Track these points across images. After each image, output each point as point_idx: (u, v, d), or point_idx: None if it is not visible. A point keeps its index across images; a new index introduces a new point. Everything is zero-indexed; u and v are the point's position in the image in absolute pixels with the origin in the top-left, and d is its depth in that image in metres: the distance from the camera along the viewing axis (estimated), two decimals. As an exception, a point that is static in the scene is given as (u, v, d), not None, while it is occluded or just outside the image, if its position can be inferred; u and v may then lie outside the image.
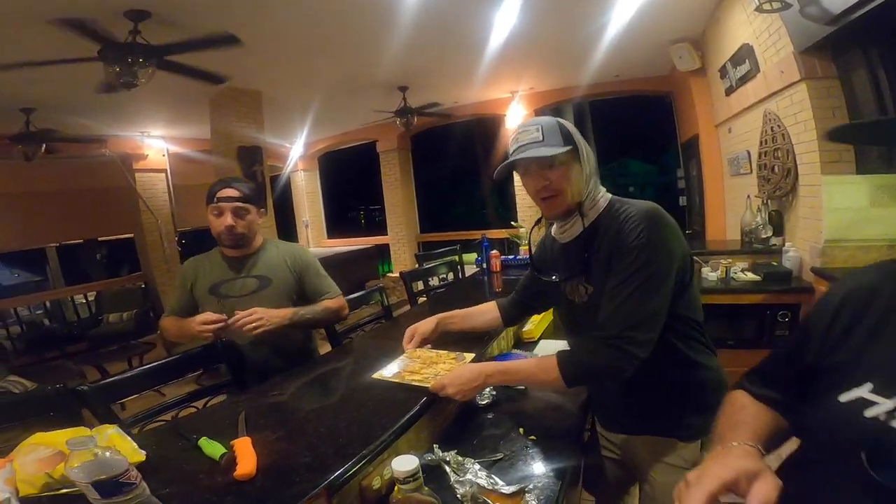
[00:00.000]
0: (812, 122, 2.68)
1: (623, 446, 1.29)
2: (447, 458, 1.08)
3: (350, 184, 10.00)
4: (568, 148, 1.08)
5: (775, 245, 3.10)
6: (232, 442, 0.95)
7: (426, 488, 0.83)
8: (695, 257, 1.61)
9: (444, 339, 1.53)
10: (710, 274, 2.99)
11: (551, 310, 2.24)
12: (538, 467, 1.09)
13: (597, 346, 1.04)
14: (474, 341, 1.55)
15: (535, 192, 1.14)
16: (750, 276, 2.89)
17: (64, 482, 0.80)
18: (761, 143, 3.33)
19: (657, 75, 5.64)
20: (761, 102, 3.30)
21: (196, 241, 7.82)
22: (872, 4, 1.97)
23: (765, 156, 3.28)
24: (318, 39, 3.99)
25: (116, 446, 0.90)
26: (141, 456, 0.92)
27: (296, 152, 8.41)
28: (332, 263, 5.19)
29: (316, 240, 9.12)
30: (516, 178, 6.84)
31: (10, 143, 4.64)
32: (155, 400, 1.57)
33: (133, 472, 0.70)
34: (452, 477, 1.04)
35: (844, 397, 0.59)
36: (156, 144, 6.50)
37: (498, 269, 2.87)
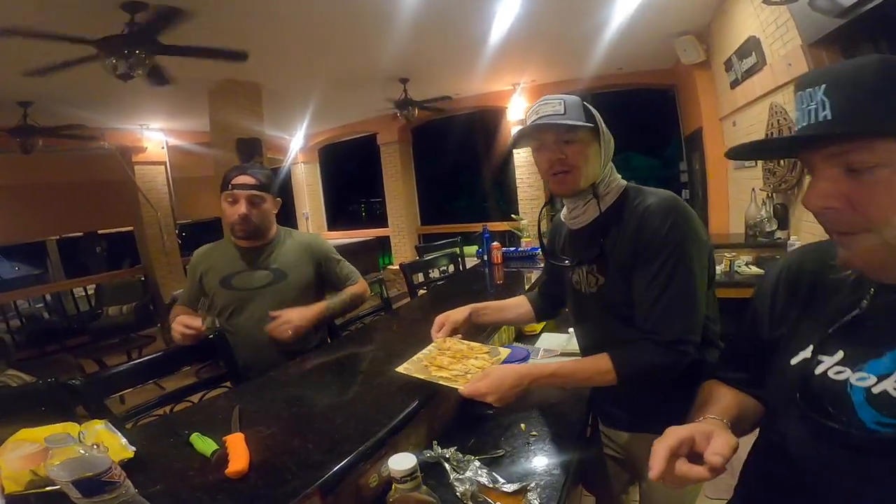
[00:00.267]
0: (820, 114, 2.64)
1: (625, 444, 1.26)
2: (447, 455, 1.05)
3: (351, 176, 9.96)
4: (590, 126, 1.04)
5: (780, 238, 3.07)
6: (224, 438, 0.92)
7: (424, 487, 0.80)
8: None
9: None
10: (713, 268, 2.95)
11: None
12: (540, 464, 1.07)
13: (655, 348, 0.99)
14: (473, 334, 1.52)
15: (549, 167, 1.09)
16: (754, 269, 2.85)
17: (49, 480, 0.77)
18: (767, 135, 3.28)
19: (661, 68, 5.58)
20: (767, 95, 3.25)
21: (196, 234, 7.81)
22: (883, -4, 1.92)
23: (770, 149, 3.23)
24: (319, 31, 3.93)
25: (104, 442, 0.87)
26: (129, 452, 0.89)
27: (296, 144, 8.36)
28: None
29: (316, 232, 9.10)
30: (518, 169, 6.86)
31: (8, 137, 4.61)
32: (156, 394, 1.55)
33: (116, 470, 0.67)
34: (452, 475, 1.01)
35: (794, 360, 0.68)
36: (155, 137, 6.45)
37: (499, 262, 2.83)
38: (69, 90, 4.35)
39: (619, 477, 1.36)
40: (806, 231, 2.90)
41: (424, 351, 1.27)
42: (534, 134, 1.07)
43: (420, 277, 2.89)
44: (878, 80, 0.53)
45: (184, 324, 1.49)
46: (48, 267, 7.84)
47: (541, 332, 1.96)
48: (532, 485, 0.96)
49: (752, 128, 3.65)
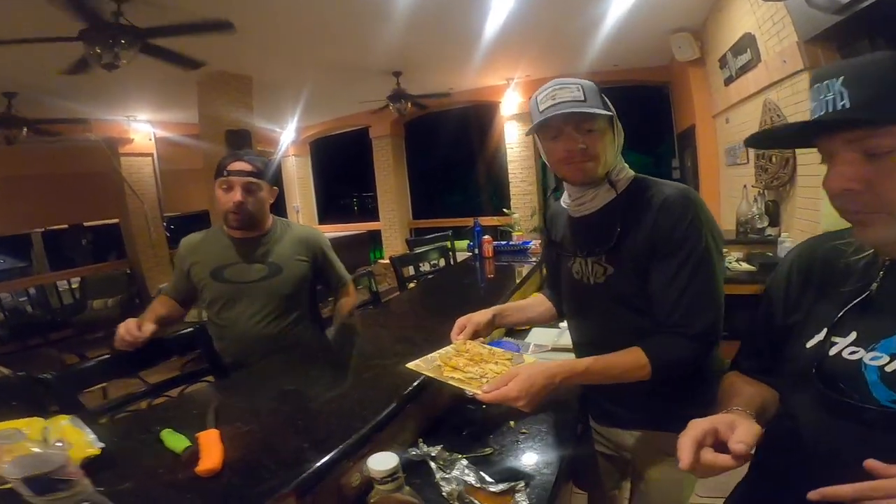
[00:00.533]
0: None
1: (617, 441, 1.23)
2: (433, 454, 1.01)
3: (343, 170, 9.86)
4: (609, 114, 1.00)
5: (771, 235, 3.06)
6: (198, 434, 0.88)
7: (407, 488, 0.76)
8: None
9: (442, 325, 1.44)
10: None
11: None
12: (529, 463, 1.03)
13: (685, 341, 0.98)
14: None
15: (566, 155, 1.02)
16: (745, 266, 2.85)
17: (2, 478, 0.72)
18: (760, 132, 3.28)
19: (656, 65, 5.58)
20: (761, 92, 3.24)
21: (184, 227, 7.68)
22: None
23: (763, 146, 3.23)
24: (311, 23, 3.87)
25: (68, 438, 0.83)
26: (95, 449, 0.84)
27: (287, 137, 8.27)
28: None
29: (307, 225, 9.01)
30: (511, 164, 6.81)
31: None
32: (140, 388, 1.49)
33: (71, 468, 0.62)
34: (438, 474, 0.97)
35: (809, 343, 0.70)
36: (142, 128, 6.38)
37: (490, 255, 2.79)
38: (54, 81, 4.25)
39: (610, 474, 1.34)
40: (797, 228, 2.90)
41: (441, 350, 1.17)
42: (554, 122, 1.01)
43: (410, 271, 2.85)
44: (892, 73, 0.58)
45: (129, 331, 1.37)
46: (33, 259, 7.69)
47: (531, 327, 1.93)
48: (521, 485, 0.92)
49: (745, 125, 3.65)
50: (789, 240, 2.88)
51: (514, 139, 6.58)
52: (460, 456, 1.02)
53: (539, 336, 1.82)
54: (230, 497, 0.74)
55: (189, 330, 1.57)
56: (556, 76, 1.07)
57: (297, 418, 1.01)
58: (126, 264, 6.50)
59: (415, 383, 1.11)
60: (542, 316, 1.42)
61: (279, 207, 8.61)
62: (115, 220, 6.71)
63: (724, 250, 3.01)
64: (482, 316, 1.26)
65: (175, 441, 0.87)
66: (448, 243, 3.25)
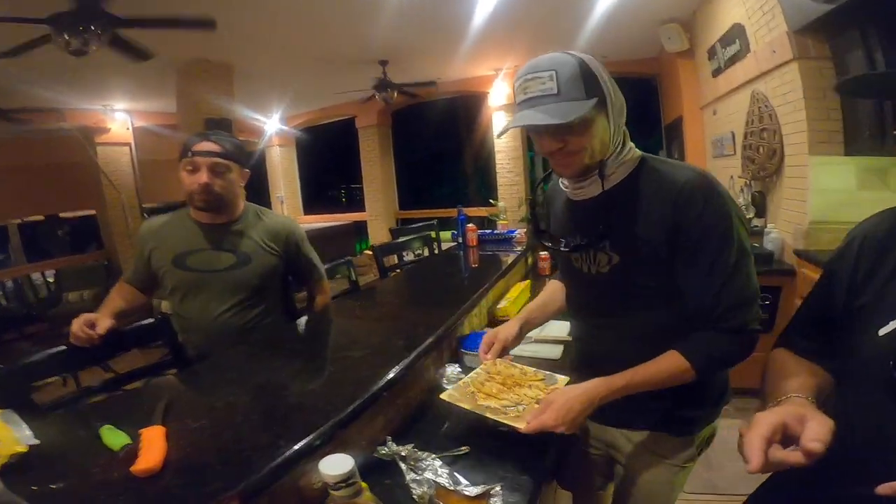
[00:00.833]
0: (802, 101, 2.61)
1: (607, 440, 1.16)
2: (402, 453, 0.94)
3: (330, 161, 9.71)
4: (592, 102, 0.86)
5: (757, 227, 3.04)
6: (140, 431, 0.80)
7: (369, 494, 0.69)
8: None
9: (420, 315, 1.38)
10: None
11: (528, 287, 2.11)
12: (508, 463, 0.96)
13: (727, 336, 0.90)
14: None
15: (547, 152, 0.94)
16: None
17: None
18: (747, 123, 3.26)
19: (645, 57, 5.53)
20: (750, 83, 3.22)
21: (163, 218, 7.47)
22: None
23: (750, 136, 3.21)
24: (295, 9, 3.74)
25: (-7, 436, 0.74)
26: (22, 447, 0.76)
27: (270, 127, 8.10)
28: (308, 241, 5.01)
29: (291, 215, 8.86)
30: (498, 155, 6.74)
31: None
32: (104, 378, 1.40)
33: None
34: (409, 475, 0.90)
35: (884, 330, 0.63)
36: (119, 118, 6.23)
37: (475, 244, 2.72)
38: (27, 70, 4.08)
39: (597, 474, 1.28)
40: (783, 219, 2.88)
41: (472, 374, 1.15)
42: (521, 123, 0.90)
43: (394, 260, 2.77)
44: None
45: (81, 328, 1.30)
46: (9, 252, 7.46)
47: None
48: (497, 488, 0.86)
49: (732, 116, 3.63)
50: (775, 230, 2.86)
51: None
52: (434, 456, 0.96)
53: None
54: (167, 500, 0.66)
55: (151, 321, 1.47)
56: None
57: (254, 414, 0.93)
58: (104, 255, 6.32)
59: (387, 377, 1.04)
60: (565, 306, 1.31)
61: (263, 197, 8.48)
62: (93, 212, 6.52)
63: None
64: (509, 330, 1.20)
65: (114, 438, 0.79)
66: (433, 233, 3.18)
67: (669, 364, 0.91)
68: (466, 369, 1.35)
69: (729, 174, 3.57)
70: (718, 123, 4.01)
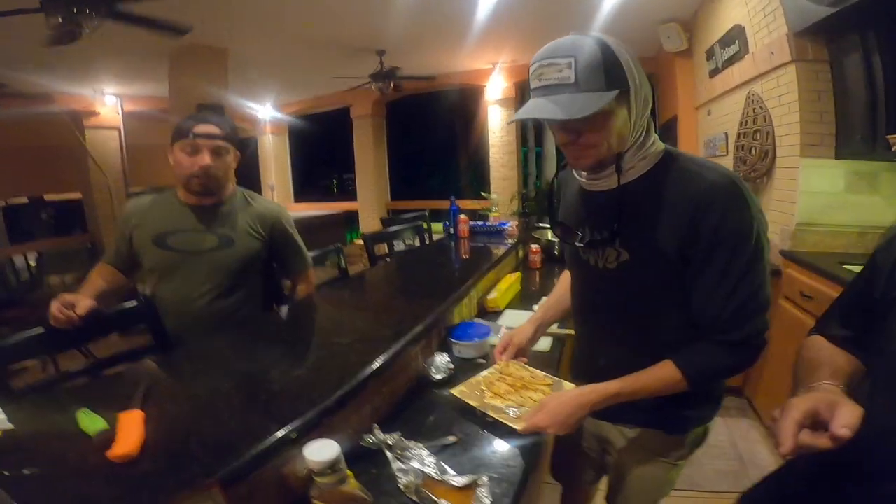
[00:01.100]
0: (797, 104, 2.62)
1: (602, 435, 1.14)
2: (389, 442, 0.93)
3: (324, 150, 9.61)
4: (612, 95, 0.80)
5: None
6: (118, 415, 0.77)
7: (355, 482, 0.67)
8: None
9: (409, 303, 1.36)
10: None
11: (518, 279, 2.10)
12: (496, 453, 0.95)
13: (728, 348, 0.88)
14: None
15: (561, 144, 0.90)
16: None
17: None
18: (741, 124, 3.27)
19: (644, 56, 5.52)
20: (746, 84, 3.23)
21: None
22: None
23: (743, 137, 3.23)
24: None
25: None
26: (-8, 431, 0.73)
27: (264, 114, 7.99)
28: (297, 229, 4.97)
29: (282, 203, 8.76)
30: (492, 148, 6.71)
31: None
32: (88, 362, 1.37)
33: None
34: (395, 464, 0.88)
35: None
36: (109, 101, 6.11)
37: (466, 235, 2.69)
38: (15, 51, 3.95)
39: (589, 468, 1.28)
40: (773, 220, 2.89)
41: (484, 373, 1.19)
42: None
43: (384, 250, 2.74)
44: None
45: (66, 303, 1.27)
46: (-7, 234, 7.30)
47: (504, 308, 1.86)
48: (484, 478, 0.84)
49: (727, 117, 3.64)
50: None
51: (496, 124, 6.48)
52: (421, 445, 0.94)
53: (512, 319, 1.74)
54: (143, 486, 0.64)
55: (133, 303, 1.44)
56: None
57: (238, 399, 0.91)
58: (88, 238, 6.21)
59: (374, 365, 1.02)
60: None
61: (254, 184, 8.37)
62: (78, 195, 6.39)
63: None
64: (524, 334, 1.22)
65: (90, 422, 0.77)
66: (424, 223, 3.15)
67: (664, 374, 0.90)
68: (455, 359, 1.35)
69: (721, 175, 3.58)
70: (712, 124, 4.02)
